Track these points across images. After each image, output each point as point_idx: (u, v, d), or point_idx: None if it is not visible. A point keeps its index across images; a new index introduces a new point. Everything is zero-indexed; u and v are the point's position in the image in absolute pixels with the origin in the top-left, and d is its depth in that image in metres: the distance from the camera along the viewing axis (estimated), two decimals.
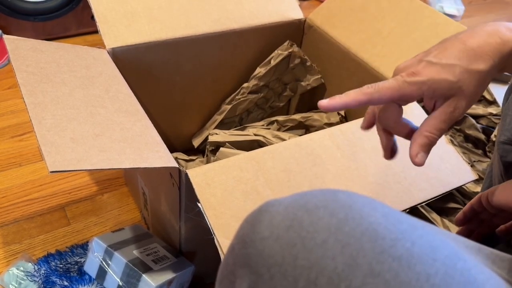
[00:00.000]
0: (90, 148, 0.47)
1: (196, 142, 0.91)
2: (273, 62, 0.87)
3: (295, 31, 0.90)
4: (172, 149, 0.61)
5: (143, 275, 0.61)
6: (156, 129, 0.57)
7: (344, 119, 0.87)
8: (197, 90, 0.87)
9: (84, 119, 0.51)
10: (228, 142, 0.77)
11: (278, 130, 0.87)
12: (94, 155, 0.46)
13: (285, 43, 0.87)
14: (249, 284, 0.29)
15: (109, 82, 0.61)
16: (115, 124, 0.53)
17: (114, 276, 0.64)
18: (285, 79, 0.91)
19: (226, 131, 0.83)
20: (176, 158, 0.85)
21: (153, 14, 0.76)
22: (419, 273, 0.27)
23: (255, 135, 0.79)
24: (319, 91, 0.93)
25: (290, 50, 0.87)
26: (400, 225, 0.29)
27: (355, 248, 0.27)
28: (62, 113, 0.51)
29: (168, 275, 0.63)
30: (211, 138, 0.78)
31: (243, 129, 0.88)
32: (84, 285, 0.69)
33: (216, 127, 0.89)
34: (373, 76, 0.77)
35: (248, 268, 0.29)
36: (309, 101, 0.96)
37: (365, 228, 0.28)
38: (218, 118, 0.89)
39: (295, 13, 0.88)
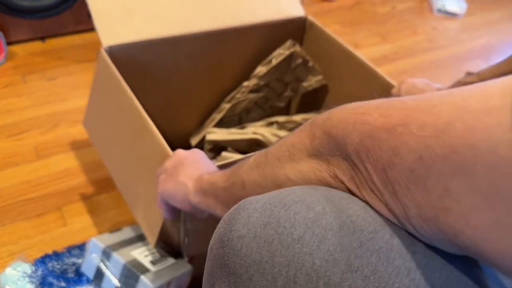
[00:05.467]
0: None
1: (194, 141, 0.90)
2: (274, 62, 0.86)
3: (296, 28, 0.89)
4: (170, 147, 0.61)
5: (141, 276, 0.60)
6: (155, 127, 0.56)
7: None
8: (195, 88, 0.86)
9: None
10: (226, 140, 0.76)
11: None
12: None
13: (287, 42, 0.86)
14: (228, 286, 0.28)
15: None
16: None
17: (112, 277, 0.63)
18: (286, 79, 0.90)
19: (224, 130, 0.82)
20: None
21: (151, 11, 0.75)
22: (399, 267, 0.26)
23: (254, 133, 0.79)
24: (321, 92, 0.92)
25: (292, 50, 0.86)
26: (379, 217, 0.28)
27: (332, 243, 0.26)
28: None
29: (166, 277, 0.62)
30: (209, 137, 0.77)
31: (242, 128, 0.87)
32: (82, 286, 0.68)
33: (214, 126, 0.88)
34: (375, 76, 0.76)
35: (226, 269, 0.29)
36: (310, 102, 0.95)
37: (343, 221, 0.27)
38: (217, 116, 0.88)
39: (296, 10, 0.87)
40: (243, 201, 0.30)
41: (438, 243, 0.26)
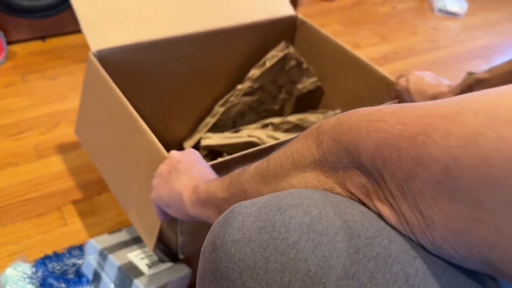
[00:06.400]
0: None
1: (187, 145, 0.89)
2: (268, 64, 0.85)
3: (287, 28, 0.87)
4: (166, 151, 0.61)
5: (134, 280, 0.60)
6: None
7: None
8: (188, 91, 0.85)
9: None
10: (221, 145, 0.76)
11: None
12: None
13: (281, 44, 0.86)
14: None
15: None
16: None
17: (107, 280, 0.63)
18: (280, 81, 0.89)
19: (219, 134, 0.81)
20: None
21: (140, 13, 0.74)
22: (397, 273, 0.25)
23: (249, 136, 0.79)
24: (316, 93, 0.91)
25: (286, 52, 0.85)
26: (377, 222, 0.27)
27: (327, 249, 0.26)
28: None
29: (161, 280, 0.62)
30: (204, 142, 0.77)
31: (236, 132, 0.87)
32: (82, 287, 0.68)
33: (208, 130, 0.87)
34: (368, 72, 0.76)
35: (218, 273, 0.28)
36: (305, 103, 0.94)
37: (339, 226, 0.26)
38: (210, 120, 0.87)
39: (286, 9, 0.86)
40: (238, 204, 0.30)
41: (460, 260, 0.25)
